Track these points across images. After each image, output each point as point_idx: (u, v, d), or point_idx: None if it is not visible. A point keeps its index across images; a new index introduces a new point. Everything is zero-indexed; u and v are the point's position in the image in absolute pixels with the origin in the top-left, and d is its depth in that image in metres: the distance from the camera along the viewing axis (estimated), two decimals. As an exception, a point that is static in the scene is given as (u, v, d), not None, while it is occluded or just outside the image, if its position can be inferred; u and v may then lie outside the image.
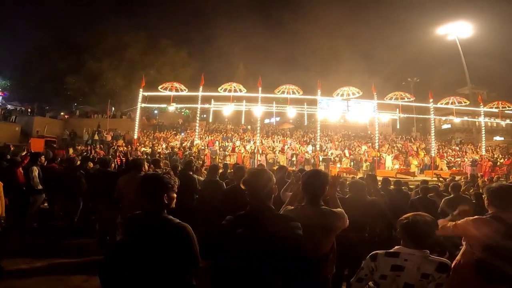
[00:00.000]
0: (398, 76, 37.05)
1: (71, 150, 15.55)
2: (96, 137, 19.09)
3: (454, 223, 2.26)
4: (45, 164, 6.22)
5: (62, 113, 28.39)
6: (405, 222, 1.84)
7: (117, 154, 11.53)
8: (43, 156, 6.19)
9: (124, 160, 5.67)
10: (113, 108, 27.50)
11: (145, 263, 1.57)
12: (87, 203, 5.26)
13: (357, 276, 1.91)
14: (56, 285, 3.53)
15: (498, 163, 17.82)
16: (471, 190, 6.45)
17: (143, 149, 16.68)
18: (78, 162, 5.88)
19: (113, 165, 5.36)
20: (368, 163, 17.36)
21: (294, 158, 17.80)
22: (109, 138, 19.23)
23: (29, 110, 25.98)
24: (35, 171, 5.42)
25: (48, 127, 20.98)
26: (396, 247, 1.88)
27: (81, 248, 4.67)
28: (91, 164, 6.10)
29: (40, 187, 5.45)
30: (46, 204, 6.27)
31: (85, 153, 13.97)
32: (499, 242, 1.98)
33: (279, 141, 21.32)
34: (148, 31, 29.87)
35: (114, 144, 17.83)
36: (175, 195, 1.76)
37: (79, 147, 16.91)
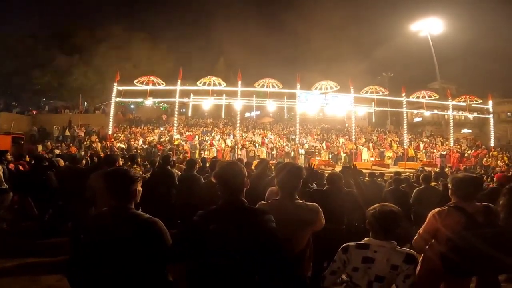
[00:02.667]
0: (373, 71, 38.05)
1: (40, 147, 14.77)
2: (67, 133, 18.22)
3: (418, 233, 2.30)
4: (11, 162, 5.90)
5: (30, 109, 26.84)
6: (372, 212, 1.89)
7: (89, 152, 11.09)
8: (8, 154, 5.85)
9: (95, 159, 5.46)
10: (85, 103, 26.34)
11: (116, 261, 1.52)
12: (58, 202, 5.04)
13: (330, 269, 1.94)
14: (28, 285, 3.43)
15: (466, 155, 18.90)
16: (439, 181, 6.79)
17: (118, 144, 16.16)
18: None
19: (83, 161, 5.16)
20: (344, 155, 17.88)
21: (274, 152, 17.96)
22: (81, 134, 18.42)
23: (-6, 106, 24.40)
24: (0, 169, 5.14)
25: (15, 123, 19.80)
26: (365, 238, 1.91)
27: (54, 247, 4.52)
28: (61, 162, 5.84)
29: (5, 186, 5.17)
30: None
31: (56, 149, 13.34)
32: (460, 234, 2.03)
33: (259, 135, 21.39)
34: (124, 24, 28.74)
35: (87, 140, 17.14)
36: (141, 189, 1.71)
37: (49, 144, 16.08)
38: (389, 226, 1.83)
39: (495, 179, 5.87)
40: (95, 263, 1.54)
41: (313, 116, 23.59)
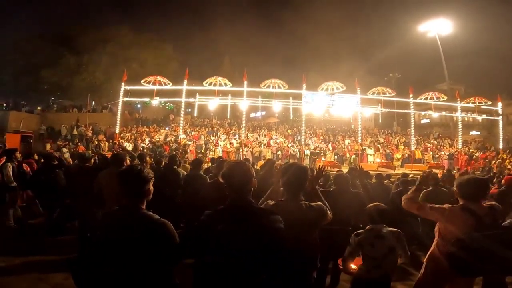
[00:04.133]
0: (380, 71, 37.80)
1: (48, 146, 14.99)
2: (75, 132, 18.46)
3: (431, 205, 2.36)
4: (21, 160, 5.99)
5: (38, 108, 27.24)
6: (372, 208, 2.52)
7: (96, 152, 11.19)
8: (17, 152, 5.94)
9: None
10: (93, 102, 26.65)
11: (123, 261, 1.52)
12: (65, 200, 5.10)
13: (348, 252, 2.45)
14: (35, 282, 3.45)
15: (474, 157, 18.60)
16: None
17: (125, 144, 16.32)
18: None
19: (92, 160, 5.20)
20: (354, 156, 17.76)
21: (279, 152, 17.93)
22: (89, 133, 18.64)
23: (4, 105, 24.80)
24: (9, 167, 5.21)
25: (24, 122, 20.13)
26: (368, 226, 2.47)
27: (61, 245, 4.56)
28: (69, 160, 5.90)
29: (14, 184, 5.24)
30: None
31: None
32: (469, 234, 2.03)
33: (265, 135, 21.37)
34: (131, 25, 29.03)
35: (94, 139, 17.33)
36: (152, 188, 1.71)
37: (59, 142, 16.32)
38: (380, 218, 2.46)
39: (503, 181, 5.77)
40: (103, 261, 1.55)
41: (319, 117, 23.51)
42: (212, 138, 19.53)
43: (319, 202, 2.10)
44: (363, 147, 18.98)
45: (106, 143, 16.33)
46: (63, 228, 5.08)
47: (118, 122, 17.54)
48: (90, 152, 6.40)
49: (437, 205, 2.35)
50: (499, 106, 20.52)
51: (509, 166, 15.71)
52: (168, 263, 1.61)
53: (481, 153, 19.45)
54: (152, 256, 1.54)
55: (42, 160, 5.90)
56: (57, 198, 5.18)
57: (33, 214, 5.93)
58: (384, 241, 2.34)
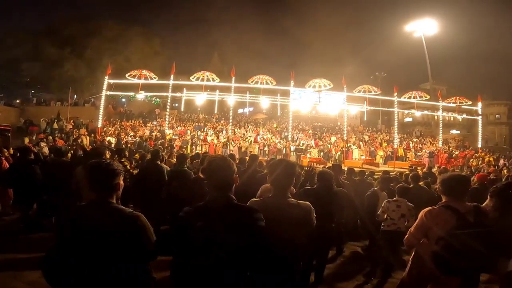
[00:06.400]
0: (367, 70, 38.35)
1: (26, 140, 14.42)
2: (55, 125, 17.83)
3: (410, 229, 2.34)
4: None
5: (17, 101, 26.19)
6: (398, 187, 4.04)
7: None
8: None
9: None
10: (75, 96, 25.81)
11: (98, 256, 1.46)
12: (42, 196, 4.90)
13: (381, 210, 3.91)
14: (10, 280, 3.33)
15: (454, 155, 19.22)
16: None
17: (108, 138, 15.89)
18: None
19: (69, 154, 5.01)
20: (339, 153, 17.99)
21: (266, 148, 17.94)
22: (70, 126, 18.03)
23: (-19, 98, 23.70)
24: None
25: (2, 115, 19.34)
26: (395, 198, 3.92)
27: (37, 243, 4.38)
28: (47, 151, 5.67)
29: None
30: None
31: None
32: (451, 233, 1.99)
33: (252, 131, 21.32)
34: (117, 18, 28.28)
35: (75, 133, 16.80)
36: (122, 183, 1.65)
37: (39, 136, 15.69)
38: (405, 193, 3.94)
39: (475, 178, 5.96)
40: (76, 258, 1.48)
41: (306, 113, 23.63)
42: (199, 133, 19.34)
43: (307, 202, 2.07)
44: (348, 144, 19.25)
45: (88, 137, 15.87)
46: (40, 224, 4.89)
47: (100, 116, 17.07)
48: (68, 146, 6.18)
49: (415, 224, 2.32)
50: (479, 106, 21.25)
51: (483, 164, 16.31)
52: (143, 257, 1.57)
53: (461, 151, 20.12)
54: (126, 250, 1.49)
55: (18, 155, 5.65)
56: (33, 193, 4.97)
57: (7, 211, 5.68)
58: (400, 210, 3.80)
